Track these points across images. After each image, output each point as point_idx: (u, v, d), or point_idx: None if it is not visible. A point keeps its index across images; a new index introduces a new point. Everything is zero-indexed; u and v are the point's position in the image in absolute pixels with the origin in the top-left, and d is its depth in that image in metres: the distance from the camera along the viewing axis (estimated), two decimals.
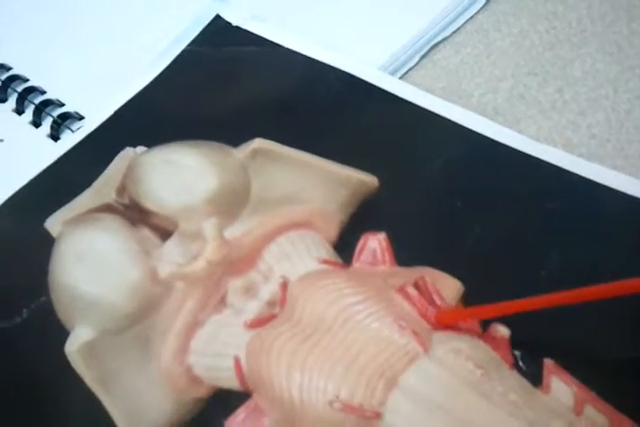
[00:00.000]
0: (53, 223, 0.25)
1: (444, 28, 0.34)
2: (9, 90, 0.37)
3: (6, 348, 0.26)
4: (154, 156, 0.26)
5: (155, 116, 0.32)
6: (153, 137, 0.27)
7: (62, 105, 0.36)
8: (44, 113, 0.35)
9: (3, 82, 0.37)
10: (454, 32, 0.34)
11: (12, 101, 0.36)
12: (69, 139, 0.33)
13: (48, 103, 0.36)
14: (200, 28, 0.35)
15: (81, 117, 0.35)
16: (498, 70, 0.32)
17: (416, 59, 0.33)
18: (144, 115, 0.32)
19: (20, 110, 0.36)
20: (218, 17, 0.36)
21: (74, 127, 0.34)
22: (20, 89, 0.36)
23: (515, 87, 0.31)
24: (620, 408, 0.21)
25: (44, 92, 0.36)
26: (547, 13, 0.33)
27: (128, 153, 0.27)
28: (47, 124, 0.35)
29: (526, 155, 0.27)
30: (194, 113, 0.32)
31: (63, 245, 0.24)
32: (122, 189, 0.26)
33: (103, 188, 0.26)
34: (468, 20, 0.34)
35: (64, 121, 0.35)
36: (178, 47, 0.35)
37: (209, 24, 0.35)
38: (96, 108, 0.34)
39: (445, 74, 0.32)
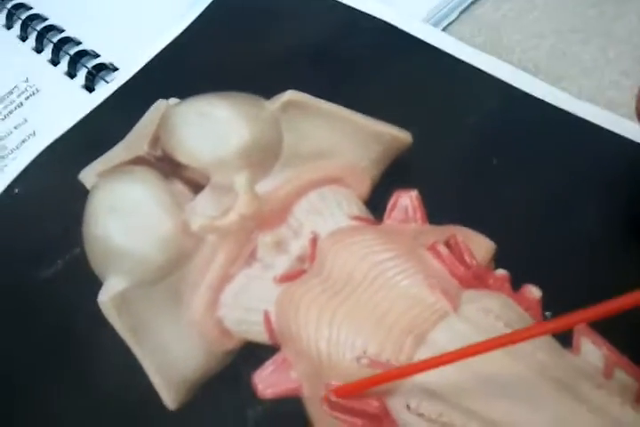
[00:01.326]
0: (87, 175, 0.26)
1: None
2: (45, 40, 0.37)
3: (42, 298, 0.27)
4: (186, 108, 0.26)
5: (187, 66, 0.32)
6: (186, 88, 0.27)
7: (97, 56, 0.36)
8: (79, 64, 0.35)
9: (39, 32, 0.37)
10: None
11: (47, 52, 0.36)
12: (103, 90, 0.33)
13: (83, 54, 0.35)
14: None
15: (115, 69, 0.35)
16: (539, 27, 0.31)
17: (456, 13, 0.32)
18: (176, 66, 0.32)
19: (55, 61, 0.36)
20: None
21: (108, 78, 0.34)
22: (55, 40, 0.36)
23: (556, 44, 0.30)
24: None
25: (79, 43, 0.36)
26: None
27: (161, 105, 0.27)
28: (82, 75, 0.35)
29: (567, 112, 0.27)
30: (227, 63, 0.31)
31: (96, 197, 0.24)
32: (155, 142, 0.26)
33: (136, 140, 0.26)
34: None
35: (98, 72, 0.35)
36: None
37: None
38: (130, 60, 0.33)
39: (486, 29, 0.31)
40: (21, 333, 0.26)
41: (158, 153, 0.26)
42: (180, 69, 0.32)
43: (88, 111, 0.31)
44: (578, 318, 0.18)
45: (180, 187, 0.25)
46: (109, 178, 0.24)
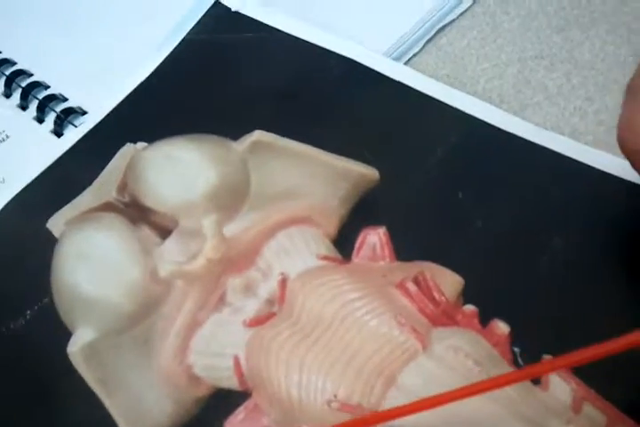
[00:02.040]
0: (55, 223, 0.26)
1: (450, 12, 0.33)
2: (13, 85, 0.37)
3: (10, 349, 0.26)
4: (153, 152, 0.26)
5: (155, 109, 0.32)
6: (154, 131, 0.27)
7: (65, 100, 0.35)
8: (47, 108, 0.35)
9: (7, 77, 0.37)
10: (461, 15, 0.33)
11: (16, 97, 0.36)
12: (72, 134, 0.33)
13: (52, 98, 0.35)
14: (200, 15, 0.35)
15: (84, 112, 0.35)
16: (504, 55, 0.31)
17: (421, 44, 0.32)
18: (145, 108, 0.32)
19: (24, 106, 0.36)
20: (217, 2, 0.35)
21: (77, 122, 0.34)
22: (24, 84, 0.36)
23: (521, 72, 0.30)
24: (619, 407, 0.21)
25: (47, 87, 0.36)
26: None
27: (129, 149, 0.27)
28: (50, 119, 0.35)
29: (531, 143, 0.27)
30: (194, 104, 0.31)
31: (64, 245, 0.24)
32: (122, 187, 0.26)
33: (104, 186, 0.26)
34: (474, 3, 0.33)
35: (67, 116, 0.35)
36: (178, 36, 0.34)
37: (208, 10, 0.35)
38: (98, 103, 0.33)
39: (451, 59, 0.32)
40: None
41: (126, 199, 0.26)
42: (149, 112, 0.32)
43: (56, 157, 0.31)
44: (554, 365, 0.18)
45: (147, 232, 0.25)
46: (77, 225, 0.24)
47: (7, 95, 0.37)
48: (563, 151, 0.27)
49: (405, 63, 0.32)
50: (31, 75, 0.37)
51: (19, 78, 0.37)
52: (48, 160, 0.31)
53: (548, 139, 0.27)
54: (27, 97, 0.36)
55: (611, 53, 0.30)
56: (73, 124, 0.34)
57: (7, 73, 0.37)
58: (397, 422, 0.20)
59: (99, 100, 0.34)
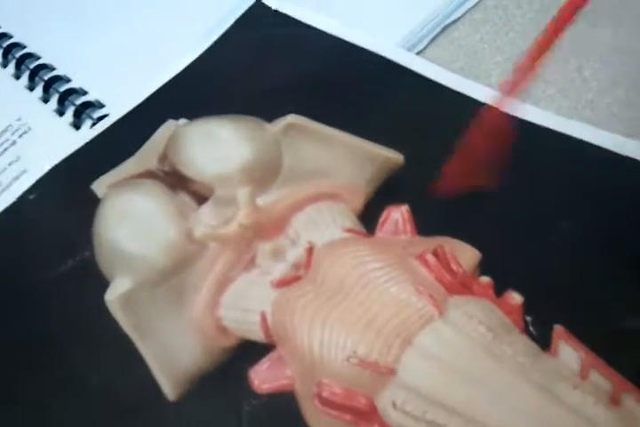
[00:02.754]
0: (99, 186, 0.27)
1: (462, 5, 0.34)
2: (37, 78, 0.38)
3: (52, 294, 0.28)
4: (194, 127, 0.28)
5: (197, 93, 0.34)
6: (195, 112, 0.29)
7: (85, 93, 0.37)
8: (67, 101, 0.37)
9: (31, 70, 0.38)
10: (473, 8, 0.34)
11: (39, 90, 0.38)
12: (99, 126, 0.35)
13: (72, 91, 0.37)
14: (241, 12, 0.37)
15: (102, 106, 0.36)
16: (517, 48, 0.32)
17: (431, 36, 0.34)
18: (187, 92, 0.34)
19: (46, 99, 0.38)
20: (258, 1, 0.37)
21: (94, 116, 0.36)
22: (46, 78, 0.38)
23: None
24: (625, 375, 0.22)
25: (68, 81, 0.38)
26: None
27: (170, 124, 0.29)
28: (70, 112, 0.36)
29: (548, 129, 0.28)
30: (232, 91, 0.33)
31: (107, 205, 0.26)
32: (163, 157, 0.28)
33: (146, 155, 0.28)
34: None
35: (85, 109, 0.36)
36: (221, 28, 0.37)
37: (249, 8, 0.37)
38: (118, 97, 0.35)
39: (464, 53, 0.33)
40: (26, 325, 0.28)
41: (166, 168, 0.27)
42: (186, 98, 0.34)
43: (75, 149, 0.33)
44: None
45: (185, 198, 0.27)
46: (119, 189, 0.26)
47: (31, 89, 0.38)
48: (579, 136, 0.28)
49: (418, 54, 0.33)
50: (54, 68, 0.39)
51: (42, 72, 0.38)
52: (68, 151, 0.33)
53: (562, 124, 0.28)
54: (48, 90, 0.38)
55: (623, 47, 0.30)
56: (91, 118, 0.36)
57: (31, 67, 0.39)
58: (409, 379, 0.21)
59: (119, 94, 0.35)
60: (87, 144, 0.33)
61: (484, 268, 0.25)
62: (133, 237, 0.25)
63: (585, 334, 0.22)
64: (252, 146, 0.26)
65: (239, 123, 0.28)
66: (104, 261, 0.25)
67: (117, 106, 0.35)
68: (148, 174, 0.27)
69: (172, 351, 0.24)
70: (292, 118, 0.27)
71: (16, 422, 0.27)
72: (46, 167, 0.33)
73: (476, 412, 0.20)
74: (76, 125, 0.36)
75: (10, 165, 0.36)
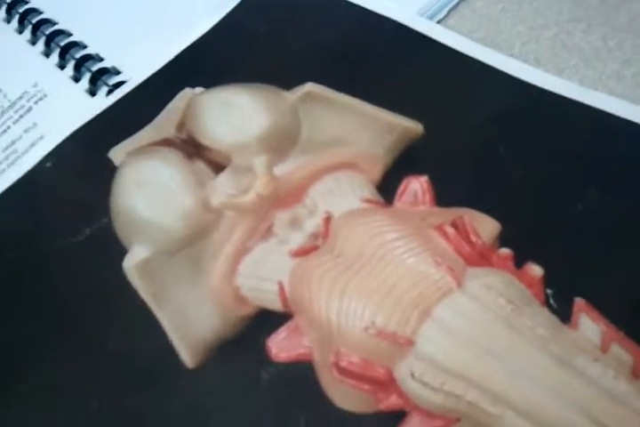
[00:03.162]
0: (116, 153, 0.27)
1: None
2: (52, 44, 0.38)
3: (70, 261, 0.28)
4: (211, 96, 0.27)
5: (214, 61, 0.34)
6: (213, 80, 0.28)
7: (101, 60, 0.37)
8: (83, 68, 0.37)
9: (47, 36, 0.38)
10: None
11: (55, 56, 0.38)
12: (118, 91, 0.34)
13: (88, 58, 0.37)
14: None
15: (118, 72, 0.36)
16: (540, 18, 0.31)
17: (451, 4, 0.33)
18: (205, 59, 0.34)
19: (62, 65, 0.37)
20: None
21: (110, 82, 0.36)
22: (62, 44, 0.38)
23: (557, 35, 0.31)
24: None
25: (85, 47, 0.38)
26: None
27: (187, 93, 0.29)
28: (86, 78, 0.36)
29: (570, 100, 0.28)
30: (250, 58, 0.33)
31: (125, 172, 0.25)
32: (181, 126, 0.27)
33: (163, 124, 0.28)
34: None
35: (101, 76, 0.36)
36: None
37: None
38: (135, 63, 0.35)
39: (486, 22, 0.32)
40: (44, 293, 0.28)
41: (183, 136, 0.27)
42: (205, 65, 0.34)
43: (94, 115, 0.33)
44: None
45: (202, 166, 0.26)
46: (137, 156, 0.26)
47: (47, 55, 0.38)
48: (602, 107, 0.27)
49: (440, 22, 0.33)
50: (70, 34, 0.38)
51: (58, 38, 0.38)
52: (84, 118, 0.33)
53: (587, 95, 0.28)
54: (65, 56, 0.37)
55: None
56: (107, 84, 0.36)
57: (47, 32, 0.38)
58: (427, 351, 0.21)
59: (135, 61, 0.35)
60: (104, 112, 0.33)
61: (504, 240, 0.24)
62: (150, 205, 0.24)
63: (606, 307, 0.22)
64: (270, 114, 0.26)
65: (256, 91, 0.27)
66: (122, 229, 0.25)
67: (134, 72, 0.35)
68: (166, 142, 0.27)
69: (189, 319, 0.24)
70: (310, 87, 0.27)
71: (34, 388, 0.28)
72: (62, 135, 0.33)
73: (495, 384, 0.20)
74: (92, 92, 0.36)
75: (26, 132, 0.36)
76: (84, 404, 0.27)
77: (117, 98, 0.34)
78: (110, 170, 0.26)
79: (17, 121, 0.36)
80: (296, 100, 0.27)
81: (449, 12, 0.33)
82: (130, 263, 0.24)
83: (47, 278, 0.29)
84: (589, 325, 0.22)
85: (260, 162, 0.25)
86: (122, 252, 0.24)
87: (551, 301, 0.23)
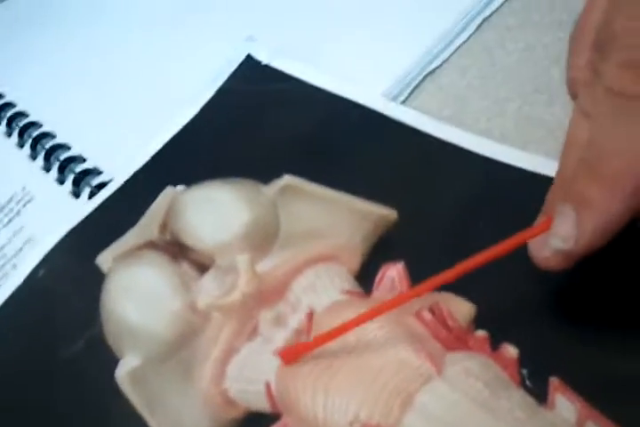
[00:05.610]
0: (104, 260, 0.28)
1: (445, 49, 0.34)
2: (38, 147, 0.39)
3: (64, 373, 0.28)
4: (192, 194, 0.29)
5: (191, 157, 0.35)
6: (189, 178, 0.30)
7: (84, 160, 0.37)
8: (67, 169, 0.37)
9: (33, 139, 0.39)
10: (457, 50, 0.34)
11: (40, 159, 0.38)
12: (104, 192, 0.35)
13: (72, 160, 0.37)
14: (232, 69, 0.37)
15: (99, 172, 0.36)
16: (504, 91, 0.32)
17: (415, 83, 0.34)
18: (181, 157, 0.35)
19: (47, 168, 0.38)
20: (249, 56, 0.37)
21: (93, 183, 0.36)
22: (47, 146, 0.38)
23: (521, 108, 0.31)
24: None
25: (69, 148, 0.38)
26: (551, 23, 0.33)
27: (169, 192, 0.30)
28: (69, 181, 0.37)
29: (535, 173, 0.28)
30: (226, 152, 0.34)
31: (112, 280, 0.27)
32: (164, 227, 0.29)
33: (147, 225, 0.29)
34: (469, 38, 0.34)
35: (84, 177, 0.36)
36: (213, 87, 0.37)
37: (240, 64, 0.37)
38: (117, 162, 0.35)
39: (452, 99, 0.33)
40: (43, 408, 0.28)
41: (167, 237, 0.28)
42: (185, 159, 0.35)
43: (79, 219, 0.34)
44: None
45: (187, 268, 0.27)
46: (123, 262, 0.27)
47: (33, 158, 0.39)
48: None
49: (404, 102, 0.33)
50: (54, 136, 0.39)
51: (44, 140, 0.39)
52: (69, 220, 0.33)
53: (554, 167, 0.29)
54: (49, 159, 0.38)
55: None
56: (89, 185, 0.36)
57: (34, 135, 0.39)
58: None
59: (116, 160, 0.35)
60: (90, 215, 0.33)
61: (478, 321, 0.25)
62: (139, 311, 0.26)
63: (581, 386, 0.23)
64: (251, 213, 0.27)
65: (236, 187, 0.29)
66: (112, 336, 0.26)
67: (115, 172, 0.35)
68: (150, 245, 0.28)
69: (181, 425, 0.25)
70: (287, 180, 0.28)
71: None
72: (50, 239, 0.33)
73: None
74: (76, 194, 0.36)
75: (14, 235, 0.36)
76: None
77: (101, 200, 0.34)
78: (100, 277, 0.27)
79: (6, 225, 0.37)
80: (274, 194, 0.28)
81: (413, 90, 0.34)
82: (122, 373, 0.25)
83: (47, 390, 0.29)
84: (565, 404, 0.23)
85: (242, 260, 0.26)
86: (116, 360, 0.25)
87: (527, 381, 0.24)
